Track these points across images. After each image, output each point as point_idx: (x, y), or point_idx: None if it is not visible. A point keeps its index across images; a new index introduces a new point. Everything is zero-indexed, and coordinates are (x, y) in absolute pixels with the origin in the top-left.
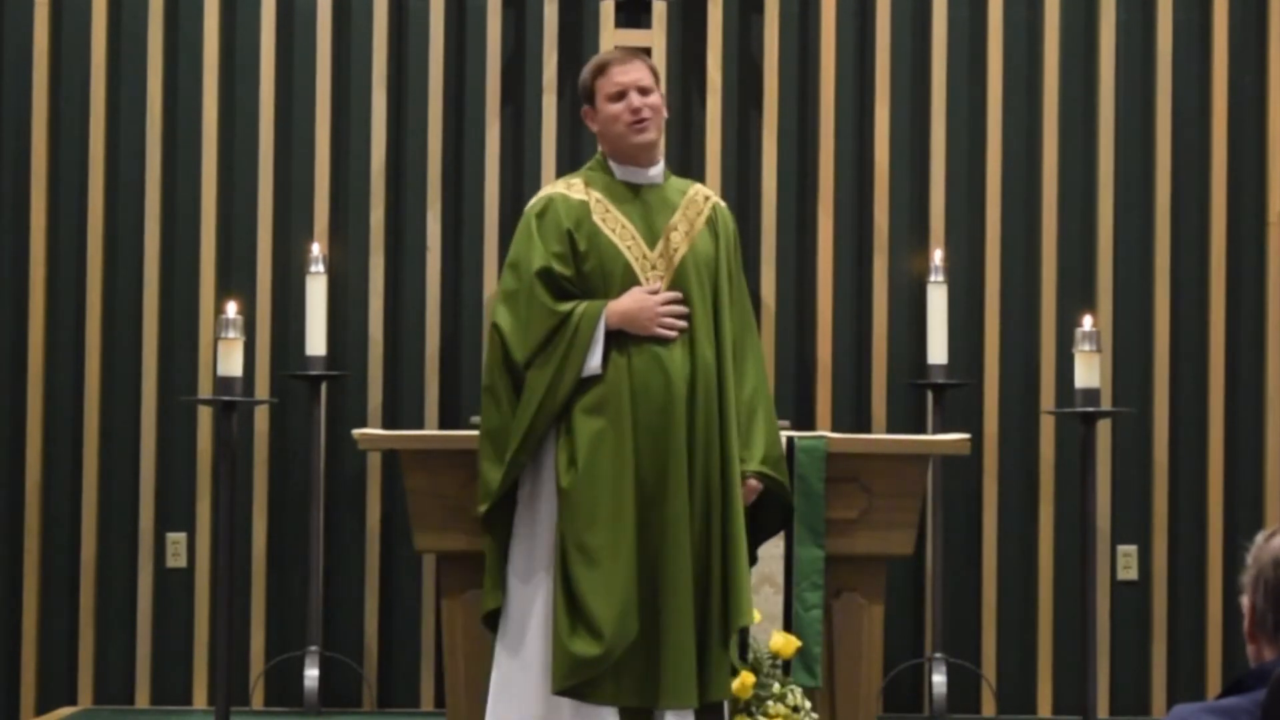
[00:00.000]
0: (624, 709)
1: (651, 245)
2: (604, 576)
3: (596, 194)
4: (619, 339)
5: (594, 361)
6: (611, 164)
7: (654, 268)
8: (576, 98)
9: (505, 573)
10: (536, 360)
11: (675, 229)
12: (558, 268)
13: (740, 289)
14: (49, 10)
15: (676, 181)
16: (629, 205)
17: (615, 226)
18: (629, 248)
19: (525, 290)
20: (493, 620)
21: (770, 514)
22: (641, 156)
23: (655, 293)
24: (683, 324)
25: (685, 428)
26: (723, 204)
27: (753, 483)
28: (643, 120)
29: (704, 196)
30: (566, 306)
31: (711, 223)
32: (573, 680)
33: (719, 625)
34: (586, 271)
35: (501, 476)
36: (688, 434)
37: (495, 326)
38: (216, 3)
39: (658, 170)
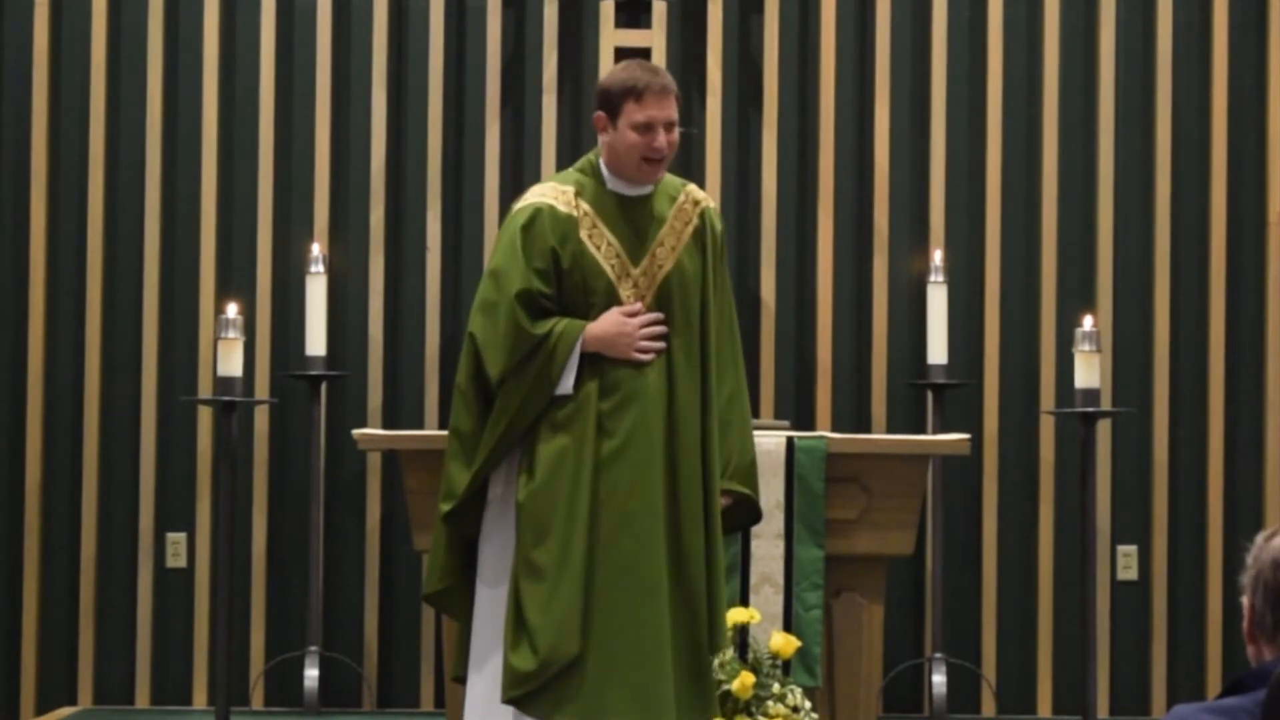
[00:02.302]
0: None
1: (636, 262)
2: (547, 593)
3: (585, 205)
4: (593, 357)
5: (567, 383)
6: (605, 172)
7: (636, 286)
8: (577, 98)
9: (469, 573)
10: (510, 379)
11: (662, 244)
12: (538, 286)
13: (724, 294)
14: (49, 10)
15: (667, 184)
16: (617, 219)
17: (601, 244)
18: (612, 266)
19: (505, 307)
20: (436, 601)
21: (736, 517)
22: (638, 181)
23: (635, 314)
24: (660, 345)
25: (663, 448)
26: (712, 207)
27: (722, 500)
28: (661, 159)
29: (693, 202)
30: (544, 327)
31: (698, 234)
32: (513, 692)
33: (704, 647)
34: (568, 287)
35: (468, 482)
36: (666, 454)
37: (471, 336)
38: (216, 2)
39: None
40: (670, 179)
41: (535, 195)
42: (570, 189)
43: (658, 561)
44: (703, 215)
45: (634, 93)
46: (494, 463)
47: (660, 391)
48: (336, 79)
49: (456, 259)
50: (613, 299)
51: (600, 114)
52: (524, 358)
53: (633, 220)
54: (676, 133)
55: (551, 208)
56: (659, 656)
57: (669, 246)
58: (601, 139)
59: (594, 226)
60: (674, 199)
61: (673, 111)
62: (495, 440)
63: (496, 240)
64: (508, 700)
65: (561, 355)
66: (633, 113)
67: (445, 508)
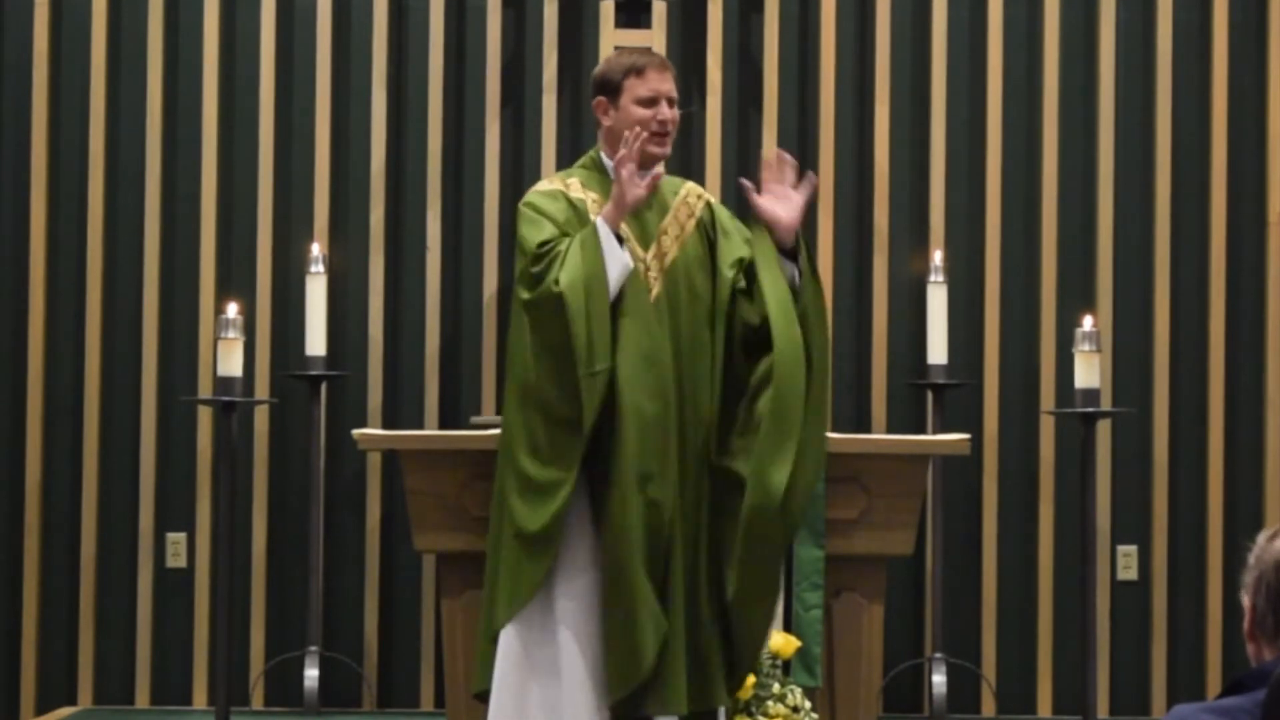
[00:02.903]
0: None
1: (645, 247)
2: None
3: (593, 195)
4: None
5: (618, 254)
6: (608, 163)
7: (649, 269)
8: (576, 98)
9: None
10: (569, 282)
11: (666, 232)
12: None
13: (764, 255)
14: (49, 10)
15: (669, 181)
16: None
17: None
18: (625, 250)
19: (530, 261)
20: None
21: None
22: (646, 163)
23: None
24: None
25: (676, 432)
26: (714, 200)
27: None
28: (667, 133)
29: (696, 195)
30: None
31: (702, 225)
32: (622, 691)
33: (713, 630)
34: None
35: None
36: (679, 438)
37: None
38: (216, 3)
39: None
40: (670, 179)
41: (544, 184)
42: (576, 180)
43: (677, 547)
44: (706, 207)
45: (635, 69)
46: (605, 357)
47: (673, 378)
48: (336, 79)
49: (456, 259)
50: (628, 281)
51: (600, 99)
52: (565, 260)
53: (639, 208)
54: (677, 110)
55: (563, 192)
56: (678, 643)
57: (673, 235)
58: (603, 124)
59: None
60: (676, 192)
61: (673, 88)
62: (585, 337)
63: (518, 228)
64: (621, 699)
65: (591, 243)
66: (636, 88)
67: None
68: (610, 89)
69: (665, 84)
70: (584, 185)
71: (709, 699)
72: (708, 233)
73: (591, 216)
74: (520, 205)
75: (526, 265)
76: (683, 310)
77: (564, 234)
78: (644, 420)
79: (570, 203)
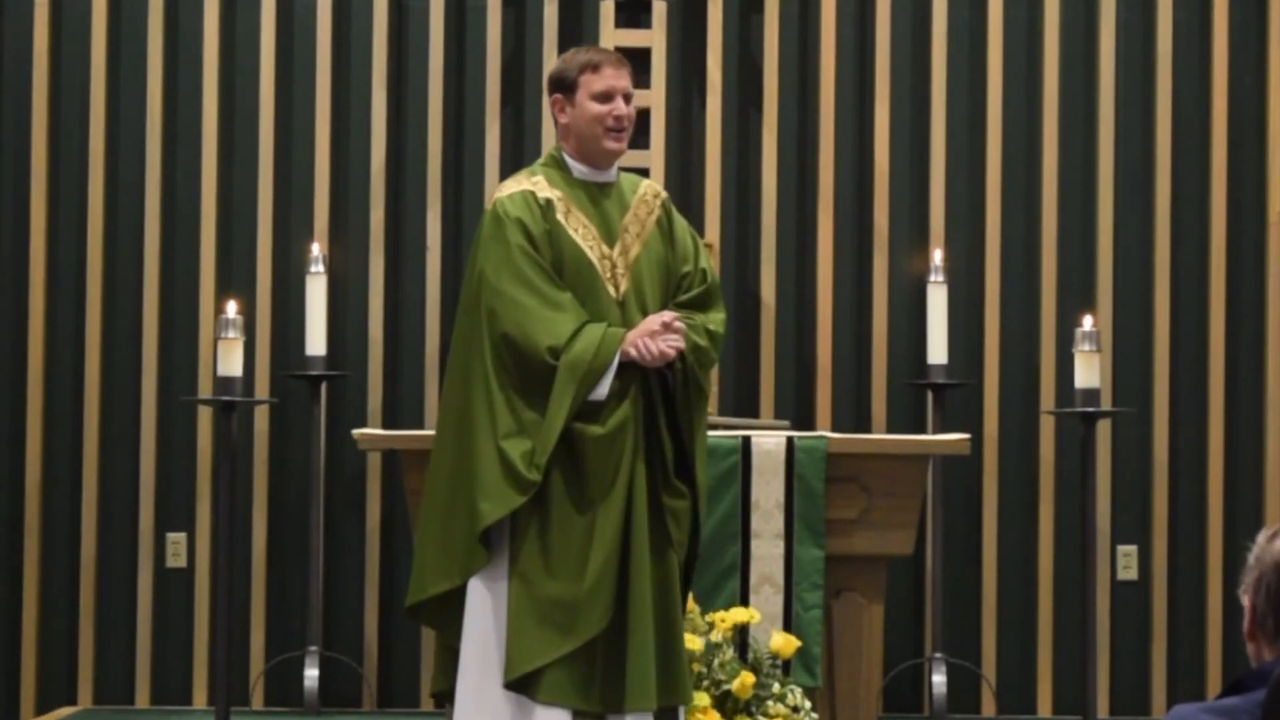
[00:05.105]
0: (576, 712)
1: (610, 244)
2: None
3: (558, 193)
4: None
5: (603, 389)
6: (569, 161)
7: (615, 267)
8: None
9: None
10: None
11: (627, 230)
12: (531, 251)
13: (705, 272)
14: (49, 10)
15: (626, 179)
16: (587, 204)
17: (578, 226)
18: (591, 248)
19: (517, 279)
20: (424, 611)
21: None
22: (604, 160)
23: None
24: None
25: (642, 423)
26: (665, 195)
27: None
28: (623, 129)
29: (654, 194)
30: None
31: (661, 224)
32: (525, 667)
33: (679, 625)
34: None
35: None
36: (634, 440)
37: (505, 336)
38: (216, 3)
39: (613, 170)
40: (628, 175)
41: (507, 188)
42: (541, 179)
43: (644, 539)
44: (663, 206)
45: (591, 65)
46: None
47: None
48: (336, 79)
49: (456, 259)
50: (593, 280)
51: (557, 96)
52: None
53: (601, 205)
54: (634, 107)
55: (532, 192)
56: (647, 637)
57: (634, 233)
58: (560, 123)
59: (569, 211)
60: (634, 190)
61: (629, 83)
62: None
63: (475, 243)
64: (514, 680)
65: (606, 355)
66: (592, 83)
67: (522, 499)
68: (566, 86)
69: (621, 80)
70: (549, 183)
71: (676, 694)
72: (666, 233)
73: (557, 215)
74: (497, 210)
75: (502, 289)
76: (648, 306)
77: (532, 243)
78: (593, 439)
79: (540, 205)
